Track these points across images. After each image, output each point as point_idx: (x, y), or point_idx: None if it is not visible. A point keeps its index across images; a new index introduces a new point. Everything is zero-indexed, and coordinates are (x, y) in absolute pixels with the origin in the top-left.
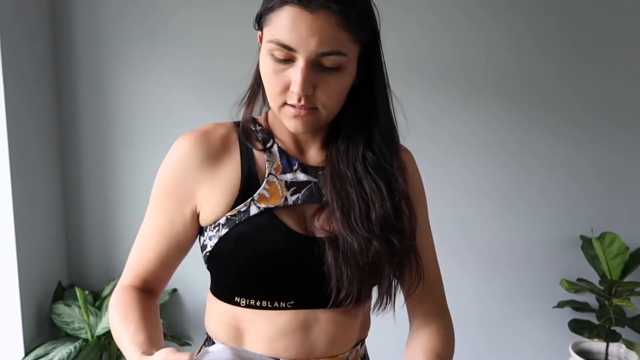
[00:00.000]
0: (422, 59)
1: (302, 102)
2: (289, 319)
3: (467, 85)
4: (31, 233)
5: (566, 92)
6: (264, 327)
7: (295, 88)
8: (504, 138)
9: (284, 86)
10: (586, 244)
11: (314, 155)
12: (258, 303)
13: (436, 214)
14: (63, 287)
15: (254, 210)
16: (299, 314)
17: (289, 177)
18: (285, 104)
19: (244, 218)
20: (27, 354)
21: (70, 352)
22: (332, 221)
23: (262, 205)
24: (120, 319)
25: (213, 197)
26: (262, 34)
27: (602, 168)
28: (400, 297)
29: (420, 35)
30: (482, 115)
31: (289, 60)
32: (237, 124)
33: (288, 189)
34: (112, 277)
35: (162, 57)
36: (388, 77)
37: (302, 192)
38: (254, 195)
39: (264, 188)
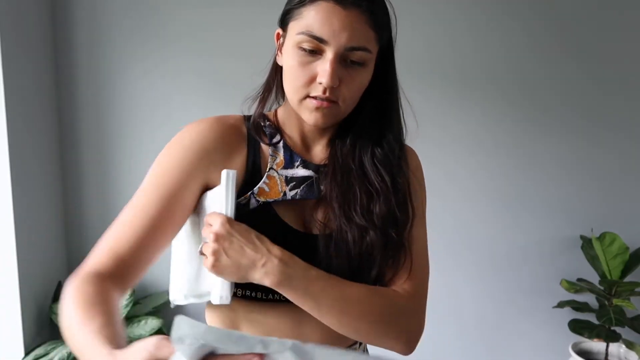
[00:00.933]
0: (419, 60)
1: (327, 94)
2: (283, 312)
3: (465, 87)
4: (31, 233)
5: (566, 93)
6: (258, 319)
7: (324, 79)
8: (503, 139)
9: (310, 78)
10: (586, 244)
11: (319, 153)
12: (253, 294)
13: (436, 214)
14: (63, 287)
15: (253, 204)
16: (293, 307)
17: (289, 172)
18: (307, 96)
19: (243, 211)
20: (27, 354)
21: (70, 352)
22: (329, 216)
23: (261, 199)
24: (82, 310)
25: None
26: (283, 30)
27: (602, 168)
28: None
29: (418, 37)
30: (482, 116)
31: (316, 53)
32: (245, 117)
33: (287, 184)
34: None
35: (163, 58)
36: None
37: (301, 187)
38: (254, 188)
39: (264, 182)
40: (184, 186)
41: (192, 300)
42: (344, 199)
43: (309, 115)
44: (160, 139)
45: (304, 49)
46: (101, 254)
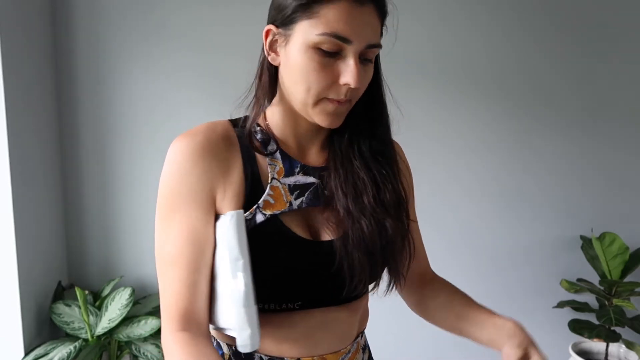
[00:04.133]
0: (423, 57)
1: (348, 96)
2: (295, 320)
3: (468, 84)
4: (31, 233)
5: (567, 92)
6: (271, 329)
7: (351, 79)
8: (504, 137)
9: (332, 80)
10: (586, 244)
11: (315, 155)
12: (266, 306)
13: (436, 213)
14: (63, 287)
15: (259, 218)
16: (306, 314)
17: (291, 180)
18: (324, 98)
19: (250, 226)
20: (27, 353)
21: (70, 352)
22: (339, 216)
23: (268, 212)
24: None
25: (224, 201)
26: (284, 28)
27: (602, 168)
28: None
29: (422, 33)
30: (482, 114)
31: (335, 54)
32: (231, 122)
33: (292, 193)
34: (112, 277)
35: (163, 57)
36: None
37: (306, 195)
38: (259, 202)
39: (268, 194)
40: (204, 215)
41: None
42: (354, 192)
43: (324, 118)
44: (160, 137)
45: (323, 50)
46: (171, 312)
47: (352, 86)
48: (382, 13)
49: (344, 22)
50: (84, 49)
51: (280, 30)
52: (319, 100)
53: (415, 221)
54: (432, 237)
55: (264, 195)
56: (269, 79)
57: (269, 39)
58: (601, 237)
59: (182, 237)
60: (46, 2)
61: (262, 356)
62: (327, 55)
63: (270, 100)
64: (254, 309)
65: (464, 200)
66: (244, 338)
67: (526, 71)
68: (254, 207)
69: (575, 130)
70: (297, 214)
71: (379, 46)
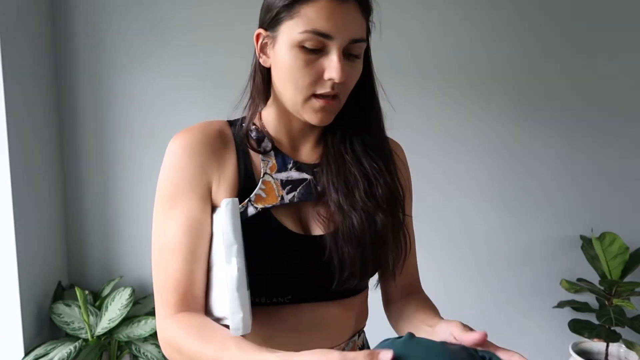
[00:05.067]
0: (425, 57)
1: (335, 90)
2: (286, 314)
3: (469, 84)
4: (31, 233)
5: (568, 92)
6: (261, 323)
7: (334, 74)
8: (504, 137)
9: (317, 76)
10: (586, 244)
11: (308, 152)
12: (257, 299)
13: (436, 212)
14: (63, 287)
15: (251, 211)
16: (296, 308)
17: (284, 175)
18: (312, 96)
19: (242, 219)
20: (27, 353)
21: (70, 352)
22: (330, 211)
23: (259, 206)
24: (198, 338)
25: (218, 194)
26: (271, 31)
27: (602, 168)
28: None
29: (424, 33)
30: (483, 113)
31: (319, 50)
32: (229, 122)
33: (284, 188)
34: (112, 277)
35: (162, 56)
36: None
37: (298, 189)
38: (251, 196)
39: (260, 188)
40: (202, 205)
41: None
42: (345, 187)
43: (314, 115)
44: (160, 136)
45: (306, 48)
46: (172, 300)
47: (336, 80)
48: (365, 9)
49: (324, 19)
50: (84, 49)
51: (268, 32)
52: (307, 98)
53: (411, 229)
54: (432, 238)
55: (256, 189)
56: (262, 81)
57: (260, 42)
58: (601, 237)
59: (181, 226)
60: (46, 2)
61: None
62: (311, 53)
63: (265, 101)
64: (246, 293)
65: (464, 200)
66: (237, 321)
67: (528, 71)
68: (246, 200)
69: (576, 130)
70: (290, 209)
71: (363, 41)
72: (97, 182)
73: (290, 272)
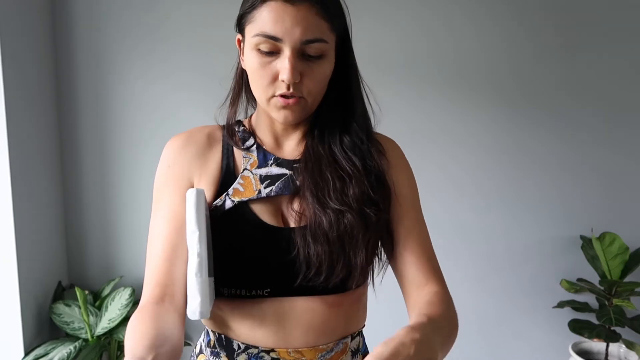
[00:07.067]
0: (419, 57)
1: (291, 90)
2: (265, 307)
3: (464, 86)
4: (31, 233)
5: (565, 92)
6: (243, 315)
7: (285, 76)
8: (503, 138)
9: (272, 77)
10: (586, 244)
11: (291, 149)
12: (238, 292)
13: (435, 214)
14: (63, 287)
15: (228, 204)
16: (275, 302)
17: (264, 171)
18: (273, 95)
19: (219, 212)
20: (27, 353)
21: (70, 352)
22: (304, 206)
23: (236, 199)
24: (132, 336)
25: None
26: (242, 35)
27: (602, 168)
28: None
29: (418, 34)
30: (481, 115)
31: (274, 53)
32: (223, 126)
33: (262, 182)
34: (112, 277)
35: (163, 57)
36: (358, 66)
37: (276, 184)
38: (229, 189)
39: (238, 182)
40: (179, 204)
41: None
42: (316, 186)
43: (278, 114)
44: (160, 137)
45: (262, 51)
46: (148, 287)
47: (286, 81)
48: (322, 9)
49: (272, 22)
50: (84, 49)
51: (240, 37)
52: (269, 98)
53: (424, 231)
54: (431, 238)
55: (234, 183)
56: (239, 82)
57: (240, 46)
58: (601, 237)
59: (165, 218)
60: (46, 2)
61: (240, 343)
62: (267, 55)
63: (248, 101)
64: (206, 280)
65: (462, 201)
66: (194, 306)
67: (525, 72)
68: (224, 194)
69: (575, 131)
70: (268, 203)
71: (319, 41)
72: (97, 182)
73: (267, 265)
